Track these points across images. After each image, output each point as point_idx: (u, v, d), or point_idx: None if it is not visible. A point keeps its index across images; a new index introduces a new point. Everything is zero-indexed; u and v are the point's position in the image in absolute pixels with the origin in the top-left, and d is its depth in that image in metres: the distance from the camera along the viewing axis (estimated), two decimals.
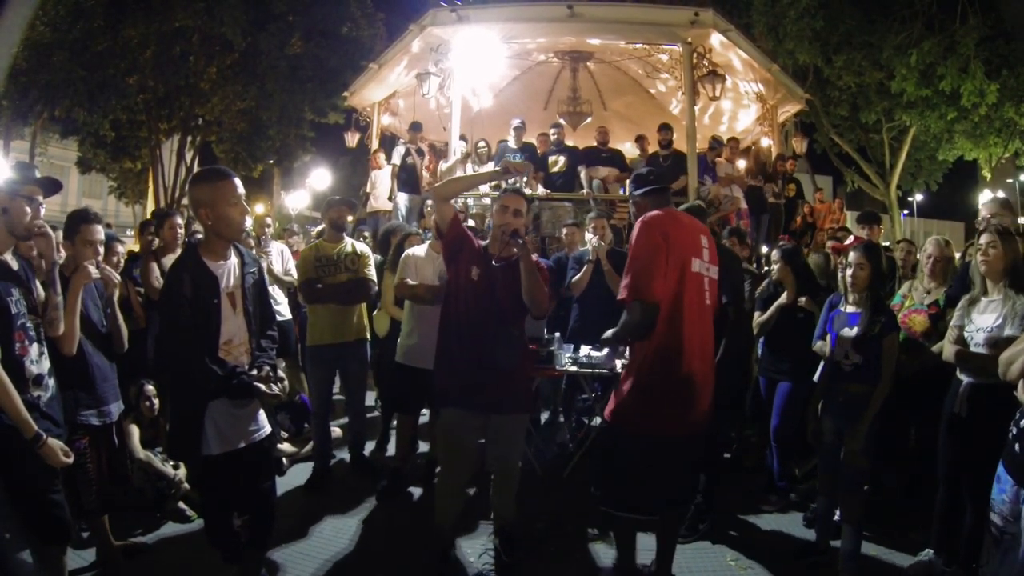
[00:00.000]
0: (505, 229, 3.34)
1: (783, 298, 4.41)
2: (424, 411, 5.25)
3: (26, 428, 2.57)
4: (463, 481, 3.66)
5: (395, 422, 5.34)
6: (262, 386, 2.78)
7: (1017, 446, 2.48)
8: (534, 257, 3.47)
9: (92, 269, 3.22)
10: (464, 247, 3.49)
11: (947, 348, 3.39)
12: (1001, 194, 8.90)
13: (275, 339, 3.12)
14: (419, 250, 4.65)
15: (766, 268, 6.76)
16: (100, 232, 3.39)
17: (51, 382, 2.82)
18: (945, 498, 3.46)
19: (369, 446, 5.39)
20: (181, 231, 5.00)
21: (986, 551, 2.67)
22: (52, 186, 2.91)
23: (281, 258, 6.62)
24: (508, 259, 3.42)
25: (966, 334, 3.29)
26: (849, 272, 3.59)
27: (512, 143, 8.81)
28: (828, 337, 3.72)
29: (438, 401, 3.77)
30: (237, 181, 2.84)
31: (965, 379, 3.30)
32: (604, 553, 3.84)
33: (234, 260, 2.91)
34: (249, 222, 3.06)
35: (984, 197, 3.89)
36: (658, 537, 3.29)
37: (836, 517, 3.69)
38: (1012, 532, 2.50)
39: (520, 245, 3.30)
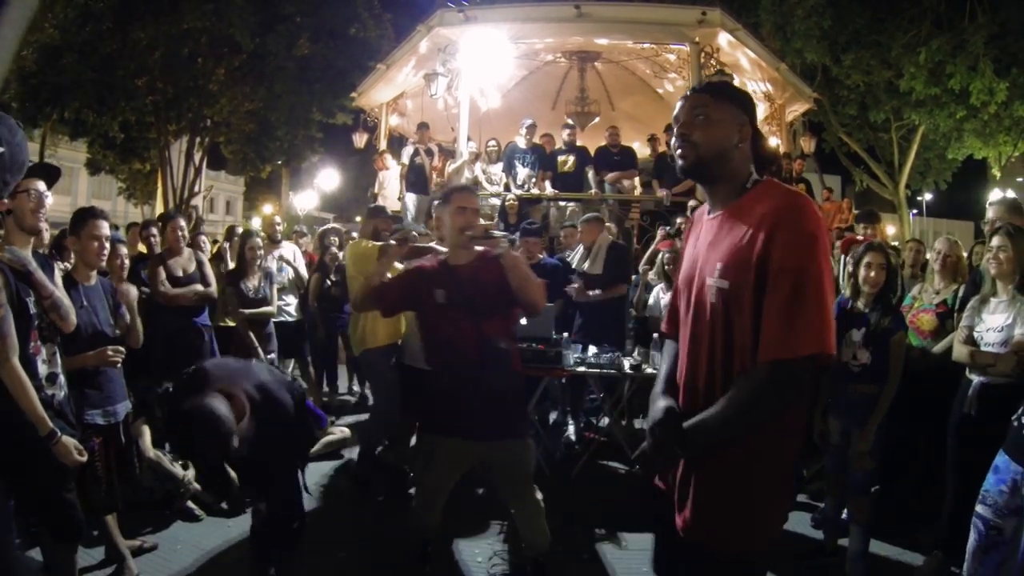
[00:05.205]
0: (471, 231, 2.89)
1: None
2: None
3: (41, 425, 2.59)
4: (438, 503, 3.22)
5: None
6: None
7: (1017, 422, 2.48)
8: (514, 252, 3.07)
9: (114, 357, 3.26)
10: (416, 288, 3.05)
11: (957, 347, 3.37)
12: (1011, 193, 8.85)
13: None
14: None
15: None
16: (106, 227, 3.37)
17: (63, 381, 2.85)
18: (954, 498, 3.43)
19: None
20: (183, 233, 5.02)
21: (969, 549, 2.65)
22: (49, 172, 2.86)
23: (294, 258, 6.69)
24: (472, 265, 2.99)
25: (976, 334, 3.28)
26: (863, 273, 3.52)
27: (522, 143, 8.84)
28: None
29: (423, 425, 3.42)
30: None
31: (975, 379, 3.29)
32: (612, 554, 3.84)
33: None
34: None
35: (993, 196, 3.85)
36: None
37: (844, 517, 3.68)
38: (1000, 525, 2.48)
39: (496, 241, 2.87)
